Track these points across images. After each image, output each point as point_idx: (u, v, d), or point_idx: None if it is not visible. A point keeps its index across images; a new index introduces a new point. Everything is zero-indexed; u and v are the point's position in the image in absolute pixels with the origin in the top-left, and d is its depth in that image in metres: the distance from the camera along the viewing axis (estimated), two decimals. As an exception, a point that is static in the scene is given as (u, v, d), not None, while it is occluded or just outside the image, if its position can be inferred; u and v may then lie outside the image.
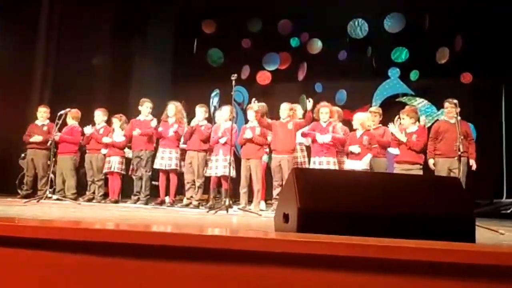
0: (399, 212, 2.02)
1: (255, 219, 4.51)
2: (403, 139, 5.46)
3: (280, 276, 1.56)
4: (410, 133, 5.47)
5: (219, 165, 5.85)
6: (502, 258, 1.52)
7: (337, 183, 2.14)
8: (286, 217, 2.13)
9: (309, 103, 5.53)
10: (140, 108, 6.45)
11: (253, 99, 5.78)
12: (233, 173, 5.68)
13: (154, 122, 6.26)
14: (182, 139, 6.34)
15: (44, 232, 1.67)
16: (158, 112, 6.53)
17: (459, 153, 4.20)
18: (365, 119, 5.57)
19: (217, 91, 8.84)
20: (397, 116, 5.68)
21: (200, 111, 6.23)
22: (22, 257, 1.66)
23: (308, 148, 6.07)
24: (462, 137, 4.39)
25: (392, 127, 5.56)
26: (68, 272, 1.66)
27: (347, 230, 1.80)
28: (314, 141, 5.62)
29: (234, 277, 1.57)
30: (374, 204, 2.05)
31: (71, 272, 1.66)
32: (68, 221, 2.28)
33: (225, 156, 5.75)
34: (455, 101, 4.58)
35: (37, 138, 6.52)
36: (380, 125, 5.89)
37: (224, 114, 6.15)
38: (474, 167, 5.45)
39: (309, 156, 5.92)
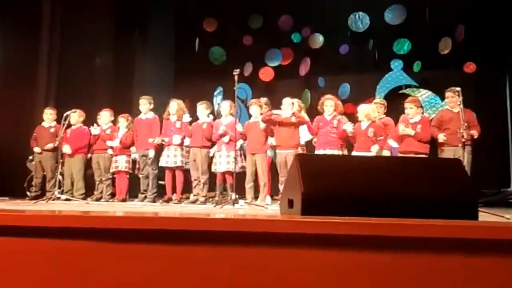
0: (401, 194, 2.04)
1: (261, 212, 4.55)
2: (411, 132, 5.43)
3: (285, 256, 1.58)
4: (414, 123, 5.46)
5: (223, 161, 5.90)
6: (503, 233, 1.55)
7: (340, 167, 2.17)
8: (290, 203, 2.16)
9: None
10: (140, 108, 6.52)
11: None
12: (237, 168, 5.67)
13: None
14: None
15: (53, 221, 1.71)
16: (161, 110, 6.57)
17: (463, 140, 4.22)
18: (370, 110, 5.57)
19: (220, 89, 8.89)
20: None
21: (201, 108, 6.27)
22: (33, 246, 1.70)
23: (306, 144, 6.13)
24: (466, 125, 4.39)
25: (401, 127, 5.52)
26: (78, 259, 1.70)
27: (351, 213, 1.83)
28: (317, 134, 5.64)
29: (240, 259, 1.60)
30: (377, 187, 2.07)
31: (81, 259, 1.70)
32: (76, 210, 2.33)
33: (228, 152, 5.81)
34: (458, 89, 4.56)
35: (48, 145, 6.54)
36: (384, 115, 5.91)
37: (224, 110, 6.19)
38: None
39: (308, 151, 5.98)
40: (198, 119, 6.32)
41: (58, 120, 6.49)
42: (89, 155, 6.75)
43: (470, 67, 7.77)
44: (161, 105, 6.65)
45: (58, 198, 5.87)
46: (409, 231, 1.52)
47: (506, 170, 7.72)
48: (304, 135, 5.97)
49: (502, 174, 7.66)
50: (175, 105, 6.32)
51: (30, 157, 7.00)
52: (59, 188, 6.15)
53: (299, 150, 5.94)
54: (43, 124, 6.78)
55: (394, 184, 2.10)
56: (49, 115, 6.76)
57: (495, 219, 3.50)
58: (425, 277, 1.54)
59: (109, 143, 6.50)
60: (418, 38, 8.04)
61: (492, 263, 1.52)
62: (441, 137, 5.37)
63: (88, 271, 1.70)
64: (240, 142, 5.95)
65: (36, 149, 6.63)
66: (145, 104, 6.44)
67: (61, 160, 6.33)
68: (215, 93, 8.94)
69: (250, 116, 6.28)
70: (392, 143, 5.61)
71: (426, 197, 2.04)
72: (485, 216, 3.46)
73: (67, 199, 6.16)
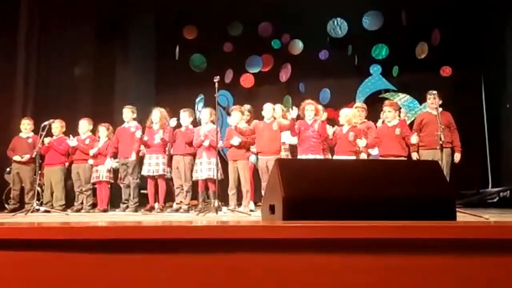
0: (381, 196, 2.07)
1: (244, 219, 4.54)
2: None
3: (268, 262, 1.59)
4: (393, 126, 5.55)
5: (204, 168, 5.87)
6: (480, 232, 1.58)
7: (320, 171, 2.19)
8: (272, 208, 2.17)
9: (294, 111, 5.54)
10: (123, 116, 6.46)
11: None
12: (219, 175, 5.65)
13: (138, 133, 6.20)
14: (168, 145, 6.36)
15: (33, 233, 1.68)
16: (142, 119, 6.52)
17: (441, 142, 4.30)
18: (351, 115, 5.65)
19: (201, 96, 8.88)
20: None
21: (184, 115, 6.25)
22: (12, 259, 1.67)
23: (291, 148, 6.15)
24: (443, 127, 4.49)
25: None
26: (59, 271, 1.67)
27: (332, 216, 1.85)
28: (299, 137, 5.67)
29: (224, 266, 1.60)
30: (357, 190, 2.09)
31: (62, 271, 1.67)
32: (57, 222, 2.29)
33: (209, 159, 5.79)
34: (435, 92, 4.68)
35: (18, 157, 6.40)
36: (366, 120, 5.98)
37: (204, 117, 6.18)
38: (457, 159, 5.50)
39: (292, 156, 6.00)
40: (181, 126, 6.29)
41: (36, 131, 6.36)
42: (66, 163, 6.63)
43: (446, 71, 7.95)
44: (143, 113, 6.60)
45: (38, 210, 5.75)
46: (389, 232, 1.54)
47: (484, 171, 7.89)
48: (288, 138, 6.00)
49: (481, 175, 7.83)
50: (157, 113, 6.26)
51: (8, 169, 6.84)
52: (38, 199, 6.02)
53: (284, 154, 5.95)
54: (21, 134, 6.65)
55: (374, 186, 2.12)
56: (26, 126, 6.62)
57: (474, 219, 3.56)
58: (406, 277, 1.57)
59: (92, 151, 6.40)
60: (395, 43, 8.20)
61: (470, 263, 1.55)
62: (414, 139, 5.46)
63: (69, 283, 1.67)
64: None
65: (16, 157, 6.47)
66: (128, 112, 6.38)
67: (39, 171, 6.21)
68: (197, 100, 8.93)
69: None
70: (371, 150, 5.68)
71: (405, 199, 2.08)
72: (465, 217, 3.53)
73: (46, 211, 6.04)
